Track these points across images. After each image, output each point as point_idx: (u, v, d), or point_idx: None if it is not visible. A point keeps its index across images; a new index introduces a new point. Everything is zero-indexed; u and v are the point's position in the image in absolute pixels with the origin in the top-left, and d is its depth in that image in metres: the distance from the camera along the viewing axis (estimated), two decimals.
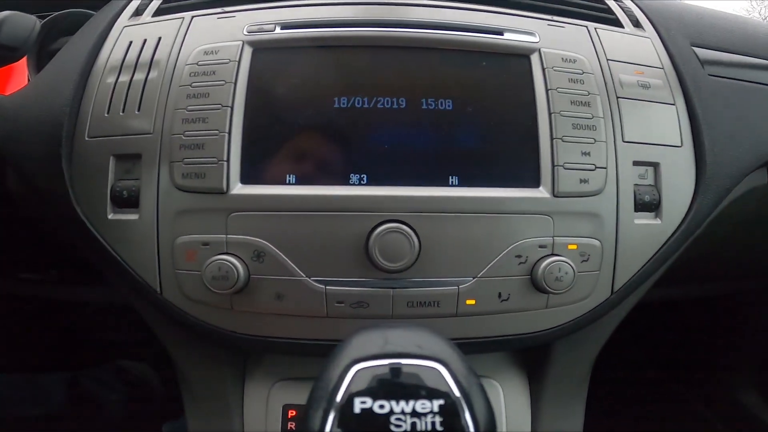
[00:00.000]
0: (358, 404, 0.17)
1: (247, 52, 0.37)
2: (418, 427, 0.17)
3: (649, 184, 0.38)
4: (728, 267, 0.58)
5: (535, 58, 0.38)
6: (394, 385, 0.18)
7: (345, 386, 0.18)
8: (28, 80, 0.46)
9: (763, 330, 0.72)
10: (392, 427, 0.17)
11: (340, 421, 0.17)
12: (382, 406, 0.17)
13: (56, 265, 0.61)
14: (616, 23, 0.44)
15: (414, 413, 0.17)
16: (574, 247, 0.35)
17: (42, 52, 0.47)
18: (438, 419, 0.17)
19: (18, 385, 0.73)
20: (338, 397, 0.18)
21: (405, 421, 0.17)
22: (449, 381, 0.18)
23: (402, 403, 0.17)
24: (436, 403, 0.17)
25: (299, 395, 0.41)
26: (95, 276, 0.43)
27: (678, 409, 0.84)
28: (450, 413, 0.17)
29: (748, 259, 0.56)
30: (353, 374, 0.18)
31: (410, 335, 0.19)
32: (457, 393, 0.17)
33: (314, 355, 0.38)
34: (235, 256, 0.34)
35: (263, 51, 0.37)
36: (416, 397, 0.17)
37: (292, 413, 0.40)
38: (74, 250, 0.41)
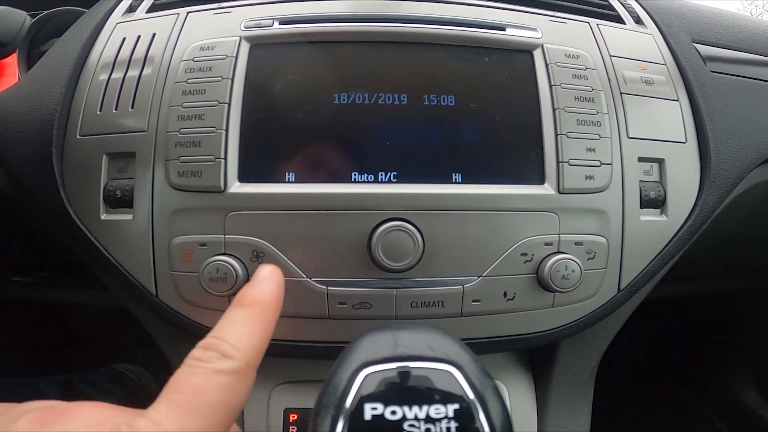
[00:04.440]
0: (369, 410, 0.16)
1: (245, 47, 0.36)
2: None
3: (655, 181, 0.37)
4: (730, 264, 0.58)
5: (538, 54, 0.37)
6: (406, 389, 0.17)
7: (354, 391, 0.17)
8: (19, 80, 0.44)
9: (763, 327, 0.72)
10: None
11: (349, 428, 0.16)
12: (394, 412, 0.16)
13: (47, 267, 0.60)
14: (618, 19, 0.43)
15: (428, 419, 0.16)
16: (580, 244, 0.35)
17: (33, 51, 0.46)
18: (453, 424, 0.16)
19: (10, 388, 0.71)
20: (347, 403, 0.17)
21: (419, 428, 0.16)
22: (463, 384, 0.17)
23: (415, 409, 0.16)
24: (451, 408, 0.16)
25: (300, 399, 0.40)
26: (88, 278, 0.42)
27: (677, 407, 0.84)
28: (465, 418, 0.16)
29: (749, 256, 0.56)
30: (363, 378, 0.17)
31: (420, 336, 0.19)
32: (471, 396, 0.17)
33: (316, 358, 0.38)
34: (234, 256, 0.33)
35: (261, 47, 0.36)
36: (430, 402, 0.16)
37: (293, 417, 0.39)
38: (66, 252, 0.40)
